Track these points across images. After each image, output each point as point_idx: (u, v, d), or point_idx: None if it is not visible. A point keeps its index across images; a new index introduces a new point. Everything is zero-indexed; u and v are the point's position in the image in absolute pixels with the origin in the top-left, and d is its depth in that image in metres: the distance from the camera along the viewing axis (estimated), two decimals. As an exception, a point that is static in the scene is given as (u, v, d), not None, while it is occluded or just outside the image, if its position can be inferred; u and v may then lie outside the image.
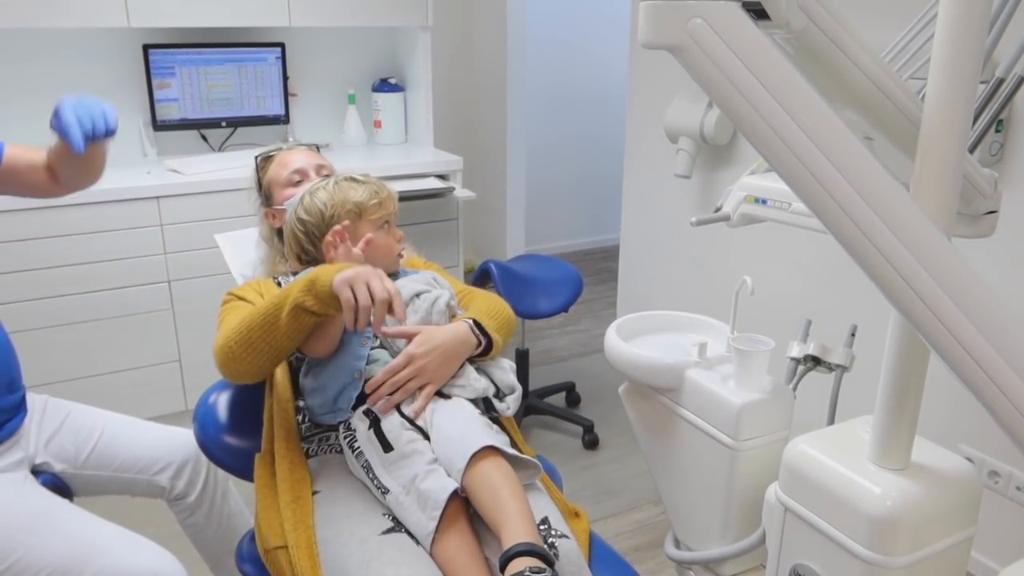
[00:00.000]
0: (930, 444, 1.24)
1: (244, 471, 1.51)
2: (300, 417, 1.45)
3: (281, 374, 1.44)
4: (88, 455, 1.59)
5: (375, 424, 1.31)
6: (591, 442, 2.82)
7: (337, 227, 1.40)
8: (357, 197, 1.46)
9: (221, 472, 1.69)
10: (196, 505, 1.70)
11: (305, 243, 1.47)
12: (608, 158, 4.95)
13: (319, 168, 1.64)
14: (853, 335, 1.58)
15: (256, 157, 1.72)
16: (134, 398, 2.75)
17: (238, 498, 1.80)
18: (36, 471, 1.54)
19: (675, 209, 2.98)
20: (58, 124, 1.34)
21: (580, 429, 2.87)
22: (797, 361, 1.59)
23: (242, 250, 1.85)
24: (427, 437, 1.31)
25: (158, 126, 3.04)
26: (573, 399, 3.15)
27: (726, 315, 1.63)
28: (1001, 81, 1.38)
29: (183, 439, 1.69)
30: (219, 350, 1.33)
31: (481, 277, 2.66)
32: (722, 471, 1.47)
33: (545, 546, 1.15)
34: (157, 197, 2.66)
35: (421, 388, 1.35)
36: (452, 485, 1.19)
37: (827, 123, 0.81)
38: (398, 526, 1.22)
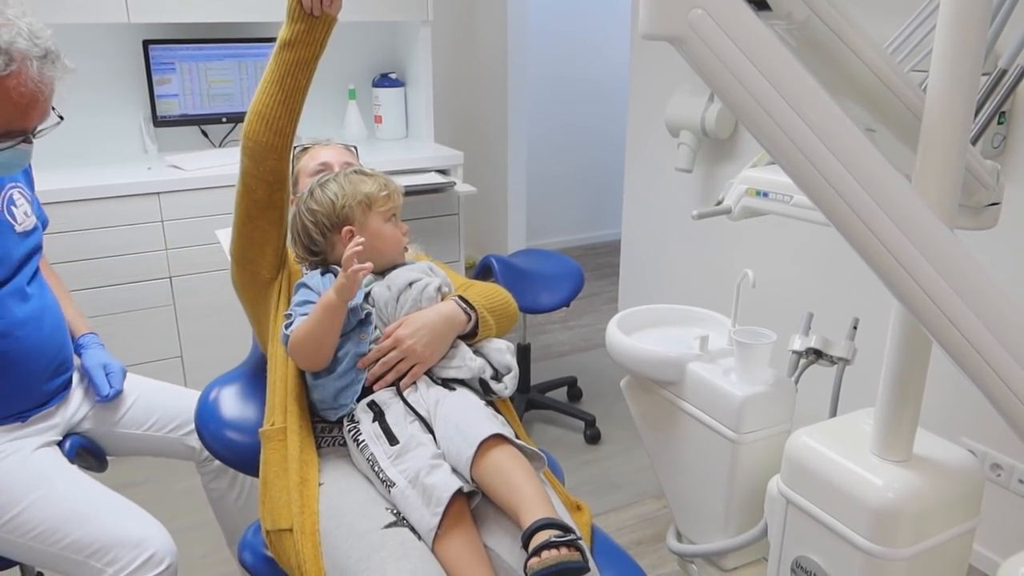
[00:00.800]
0: (932, 436, 1.24)
1: (246, 466, 1.51)
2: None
3: None
4: (123, 415, 1.67)
5: (380, 417, 1.32)
6: (593, 436, 2.82)
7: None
8: (367, 189, 1.48)
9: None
10: (222, 469, 1.74)
11: (314, 233, 1.48)
12: (609, 153, 4.94)
13: (345, 166, 1.65)
14: (855, 328, 1.57)
15: (294, 148, 1.77)
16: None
17: None
18: (69, 433, 1.62)
19: (676, 203, 2.98)
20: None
21: (582, 424, 2.87)
22: (799, 354, 1.59)
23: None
24: (430, 429, 1.31)
25: (159, 122, 3.04)
26: (575, 394, 3.15)
27: (728, 308, 1.63)
28: (1004, 73, 1.38)
29: None
30: None
31: (482, 272, 2.66)
32: (724, 464, 1.46)
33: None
34: (158, 193, 2.66)
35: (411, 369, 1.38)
36: (457, 483, 1.19)
37: (829, 115, 0.81)
38: (400, 520, 1.22)
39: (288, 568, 1.29)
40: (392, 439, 1.28)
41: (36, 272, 1.56)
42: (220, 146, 3.21)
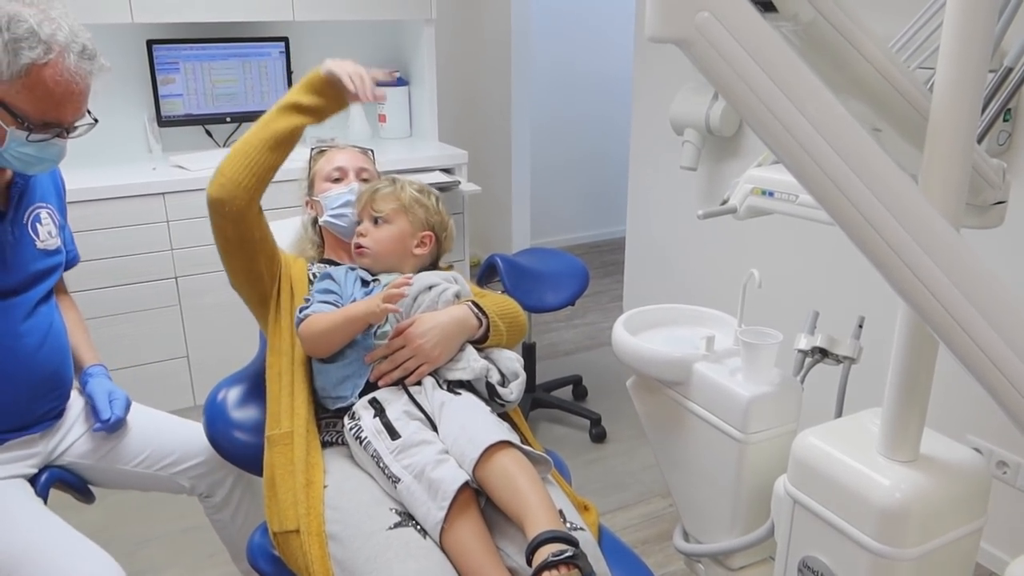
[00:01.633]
0: (939, 436, 1.24)
1: (254, 466, 1.52)
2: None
3: (302, 357, 1.46)
4: (109, 451, 1.60)
5: (381, 413, 1.32)
6: (598, 435, 2.82)
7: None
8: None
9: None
10: (223, 504, 1.71)
11: None
12: (613, 150, 4.93)
13: (360, 171, 1.69)
14: (861, 327, 1.57)
15: (312, 149, 1.81)
16: (142, 394, 2.73)
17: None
18: (47, 466, 1.55)
19: (681, 201, 2.97)
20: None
21: (587, 422, 2.87)
22: (805, 353, 1.59)
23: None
24: (434, 428, 1.32)
25: (163, 122, 3.04)
26: (580, 392, 3.15)
27: (733, 307, 1.62)
28: (1010, 71, 1.37)
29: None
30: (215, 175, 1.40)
31: (487, 271, 2.66)
32: (730, 464, 1.46)
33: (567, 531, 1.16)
34: (163, 193, 2.66)
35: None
36: (463, 476, 1.19)
37: (834, 116, 0.81)
38: (406, 520, 1.23)
39: (296, 569, 1.29)
40: (394, 434, 1.28)
41: (50, 295, 1.53)
42: (224, 146, 3.21)
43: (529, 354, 2.97)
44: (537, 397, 2.95)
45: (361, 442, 1.31)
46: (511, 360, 1.47)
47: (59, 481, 1.56)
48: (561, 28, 4.58)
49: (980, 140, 1.27)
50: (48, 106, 1.31)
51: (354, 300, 1.46)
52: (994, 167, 1.20)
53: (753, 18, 0.81)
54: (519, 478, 1.19)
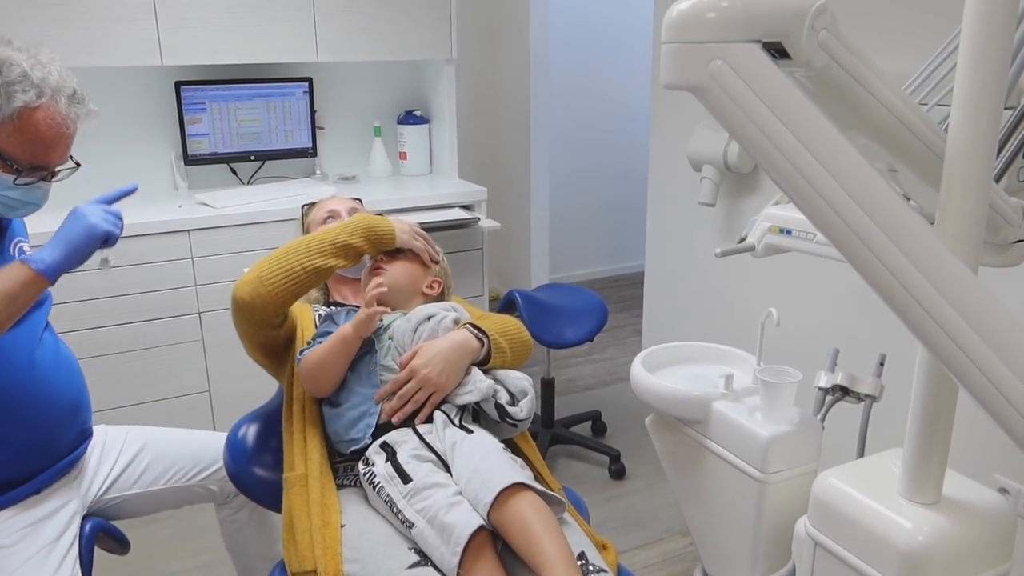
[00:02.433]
0: (962, 477, 1.22)
1: (274, 502, 1.52)
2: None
3: (312, 400, 1.48)
4: (141, 474, 1.64)
5: (392, 457, 1.32)
6: (618, 472, 2.80)
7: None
8: None
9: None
10: (244, 502, 1.74)
11: None
12: (631, 185, 4.96)
13: (351, 211, 1.75)
14: (882, 364, 1.56)
15: (303, 206, 1.93)
16: (155, 426, 2.79)
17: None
18: (89, 514, 1.56)
19: (699, 237, 2.98)
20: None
21: (606, 459, 2.85)
22: (825, 391, 1.58)
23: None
24: (447, 468, 1.32)
25: (189, 160, 3.11)
26: (599, 428, 3.13)
27: (752, 344, 1.62)
28: (1027, 109, 1.37)
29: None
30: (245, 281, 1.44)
31: (506, 306, 2.68)
32: (750, 504, 1.45)
33: None
34: (188, 230, 2.71)
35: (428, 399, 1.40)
36: (477, 521, 1.18)
37: (849, 162, 0.81)
38: (424, 560, 1.22)
39: (315, 609, 1.29)
40: (405, 477, 1.28)
41: (47, 324, 1.55)
42: (248, 183, 3.27)
43: (548, 389, 2.97)
44: (556, 433, 2.93)
45: (375, 487, 1.31)
46: (519, 379, 1.48)
47: (100, 531, 1.57)
48: (580, 62, 4.64)
49: (999, 179, 1.27)
50: (38, 149, 1.33)
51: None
52: (1013, 206, 1.19)
53: (766, 65, 0.82)
54: (535, 525, 1.17)
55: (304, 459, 1.41)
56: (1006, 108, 1.23)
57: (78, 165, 1.42)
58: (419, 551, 1.24)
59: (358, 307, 1.55)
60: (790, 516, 1.38)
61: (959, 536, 1.11)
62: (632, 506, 2.63)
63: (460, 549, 1.16)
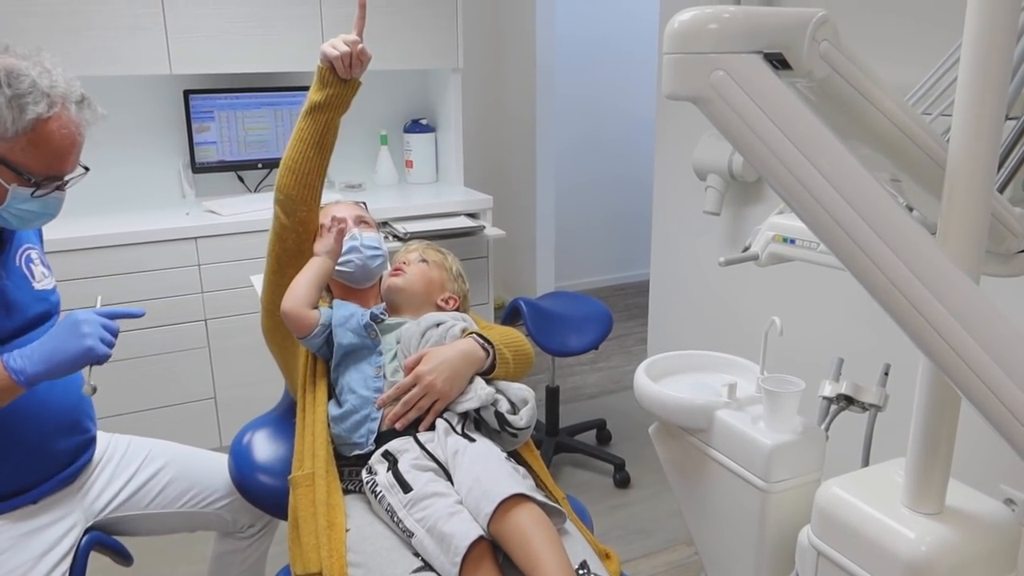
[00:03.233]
0: (965, 488, 1.22)
1: (278, 510, 1.53)
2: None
3: (322, 398, 1.49)
4: (158, 494, 1.59)
5: (393, 466, 1.33)
6: (622, 480, 2.80)
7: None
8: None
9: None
10: (254, 533, 1.71)
11: None
12: (637, 193, 4.97)
13: (357, 219, 1.72)
14: (886, 374, 1.56)
15: None
16: (170, 435, 2.77)
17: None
18: (90, 528, 1.51)
19: (705, 245, 2.98)
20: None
21: (611, 467, 2.85)
22: (829, 400, 1.58)
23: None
24: (449, 477, 1.32)
25: (197, 168, 3.13)
26: (604, 436, 3.13)
27: (757, 352, 1.62)
28: (1031, 119, 1.37)
29: None
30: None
31: (511, 315, 2.68)
32: (753, 513, 1.45)
33: None
34: (195, 238, 2.73)
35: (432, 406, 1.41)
36: (476, 531, 1.18)
37: (850, 173, 0.82)
38: (428, 566, 1.22)
39: (319, 613, 1.29)
40: (405, 486, 1.28)
41: None
42: (255, 191, 3.29)
43: (552, 398, 2.97)
44: (560, 441, 2.93)
45: (376, 496, 1.32)
46: (520, 389, 1.48)
47: (98, 545, 1.52)
48: (585, 71, 4.65)
49: (1003, 188, 1.27)
50: (53, 160, 1.29)
51: (353, 319, 1.51)
52: (1017, 216, 1.19)
53: (768, 76, 0.83)
54: (534, 539, 1.17)
55: (312, 456, 1.41)
56: (1011, 118, 1.23)
57: (87, 170, 1.39)
58: (423, 557, 1.24)
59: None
60: (793, 525, 1.38)
61: (962, 546, 1.10)
62: (637, 515, 2.62)
63: (459, 559, 1.16)
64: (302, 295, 1.48)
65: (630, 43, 4.70)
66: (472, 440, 1.36)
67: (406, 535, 1.25)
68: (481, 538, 1.18)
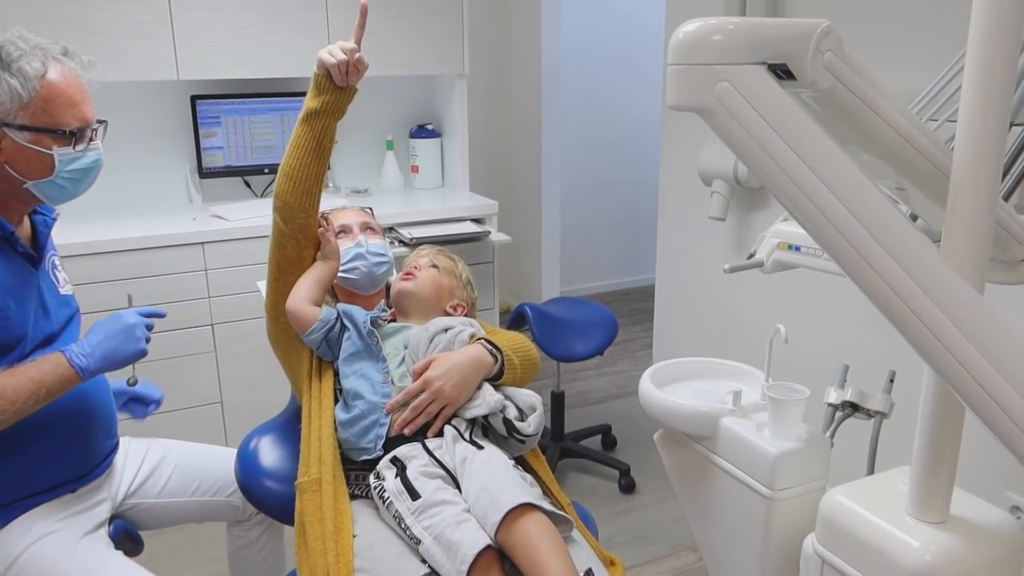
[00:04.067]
0: (970, 496, 1.22)
1: (284, 515, 1.54)
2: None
3: (328, 404, 1.49)
4: (166, 484, 1.66)
5: (402, 472, 1.33)
6: (627, 486, 2.80)
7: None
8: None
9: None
10: (261, 519, 1.75)
11: None
12: (642, 198, 4.97)
13: (363, 225, 1.73)
14: (892, 381, 1.56)
15: None
16: (176, 438, 2.80)
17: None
18: (112, 517, 1.58)
19: (710, 251, 2.98)
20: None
21: (616, 473, 2.85)
22: (834, 407, 1.58)
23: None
24: (457, 484, 1.32)
25: (203, 173, 3.14)
26: (609, 442, 3.13)
27: (762, 358, 1.62)
28: (1036, 127, 1.37)
29: None
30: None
31: (516, 320, 2.69)
32: (758, 520, 1.45)
33: None
34: (202, 243, 2.74)
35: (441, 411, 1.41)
36: (483, 540, 1.19)
37: (854, 183, 0.82)
38: (435, 573, 1.23)
39: (326, 618, 1.29)
40: (413, 493, 1.28)
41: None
42: (262, 196, 3.30)
43: (558, 403, 2.97)
44: (565, 446, 2.93)
45: (384, 502, 1.32)
46: (528, 395, 1.49)
47: (123, 532, 1.60)
48: (590, 76, 4.66)
49: (1008, 197, 1.27)
50: (72, 107, 1.35)
51: (355, 319, 1.53)
52: (1022, 223, 1.19)
53: (772, 87, 0.83)
54: (540, 548, 1.17)
55: (319, 461, 1.42)
56: (1016, 124, 1.23)
57: (104, 121, 1.45)
58: (430, 564, 1.24)
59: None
60: (798, 533, 1.38)
61: (967, 555, 1.10)
62: (641, 521, 2.62)
63: (466, 568, 1.16)
64: (303, 292, 1.52)
65: (635, 48, 4.70)
66: (480, 447, 1.36)
67: (413, 542, 1.25)
68: (488, 547, 1.18)
